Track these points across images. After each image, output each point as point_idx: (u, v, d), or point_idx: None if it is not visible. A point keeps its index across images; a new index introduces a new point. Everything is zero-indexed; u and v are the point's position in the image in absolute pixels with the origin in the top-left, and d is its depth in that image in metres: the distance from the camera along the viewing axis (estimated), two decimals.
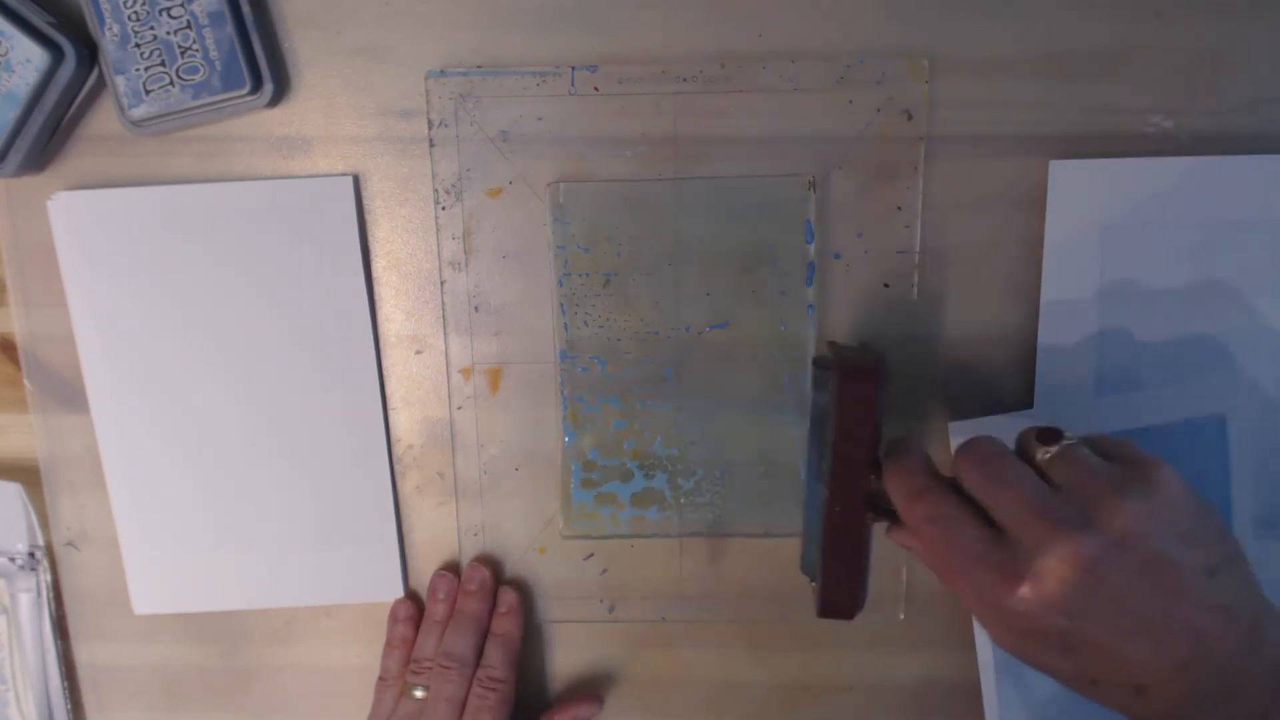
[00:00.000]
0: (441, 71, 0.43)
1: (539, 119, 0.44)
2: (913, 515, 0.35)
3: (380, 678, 0.46)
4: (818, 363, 0.41)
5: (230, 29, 0.41)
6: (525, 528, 0.47)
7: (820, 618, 0.38)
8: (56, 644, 0.48)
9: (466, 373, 0.46)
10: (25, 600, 0.48)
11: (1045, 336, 0.44)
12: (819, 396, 0.40)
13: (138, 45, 0.41)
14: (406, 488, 0.47)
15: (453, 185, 0.44)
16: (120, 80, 0.41)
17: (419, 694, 0.45)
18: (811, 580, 0.40)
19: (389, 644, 0.47)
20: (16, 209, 0.45)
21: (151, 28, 0.41)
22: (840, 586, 0.38)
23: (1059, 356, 0.44)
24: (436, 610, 0.46)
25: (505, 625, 0.46)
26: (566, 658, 0.49)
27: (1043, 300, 0.44)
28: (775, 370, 0.45)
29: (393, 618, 0.47)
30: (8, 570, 0.47)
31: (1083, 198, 0.43)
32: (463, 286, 0.45)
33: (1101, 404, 0.45)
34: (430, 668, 0.45)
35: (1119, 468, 0.34)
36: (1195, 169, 0.43)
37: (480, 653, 0.45)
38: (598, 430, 0.45)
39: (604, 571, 0.47)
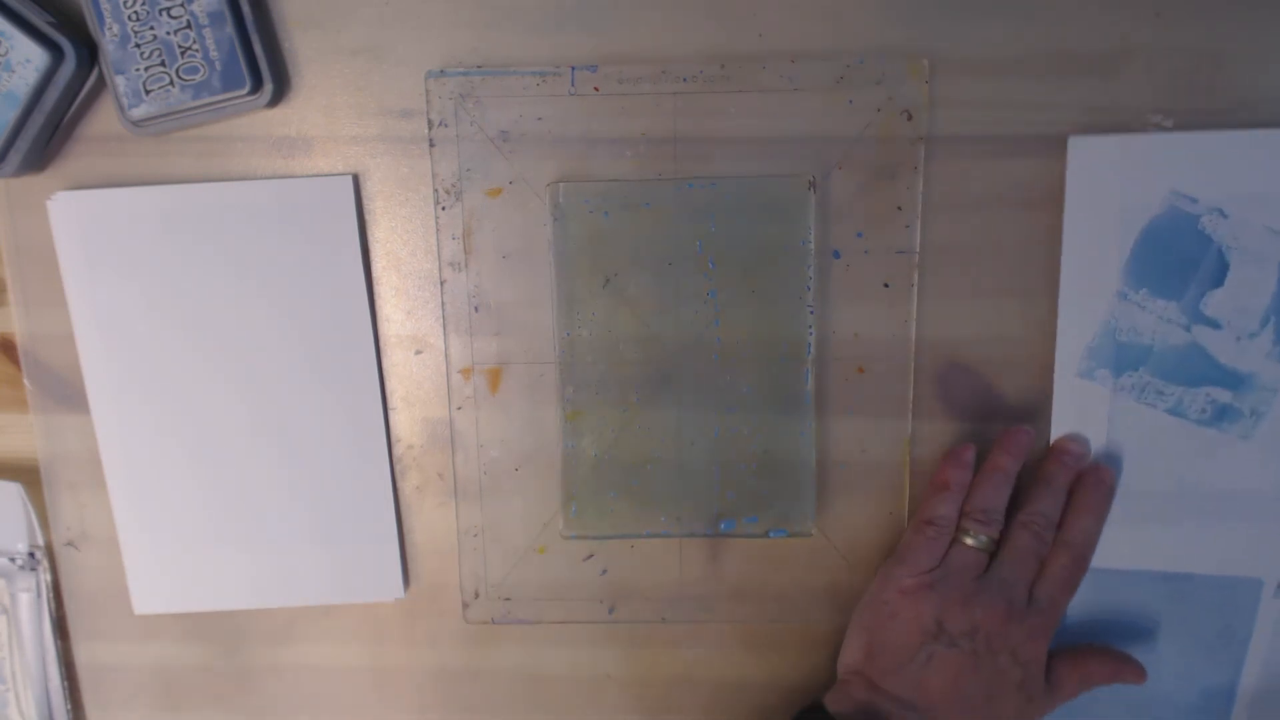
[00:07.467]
0: (441, 71, 0.43)
1: (539, 119, 0.44)
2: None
3: (928, 522, 0.44)
4: None
5: (230, 29, 0.41)
6: (525, 528, 0.47)
7: None
8: (56, 644, 0.48)
9: (466, 373, 0.46)
10: (25, 600, 0.48)
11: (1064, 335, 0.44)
12: None
13: (138, 45, 0.41)
14: (406, 488, 0.47)
15: (453, 185, 0.44)
16: (120, 80, 0.41)
17: (974, 542, 0.43)
18: None
19: (945, 488, 0.44)
20: (16, 209, 0.45)
21: (151, 28, 0.41)
22: None
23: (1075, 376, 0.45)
24: (1008, 465, 0.44)
25: (1103, 500, 0.44)
26: (566, 658, 0.49)
27: (1062, 287, 0.43)
28: (775, 370, 0.45)
29: (956, 461, 0.44)
30: (8, 570, 0.47)
31: (1103, 176, 0.42)
32: (463, 286, 0.45)
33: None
34: (993, 520, 0.43)
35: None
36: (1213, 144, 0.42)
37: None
38: (598, 430, 0.45)
39: (604, 572, 0.47)
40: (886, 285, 0.44)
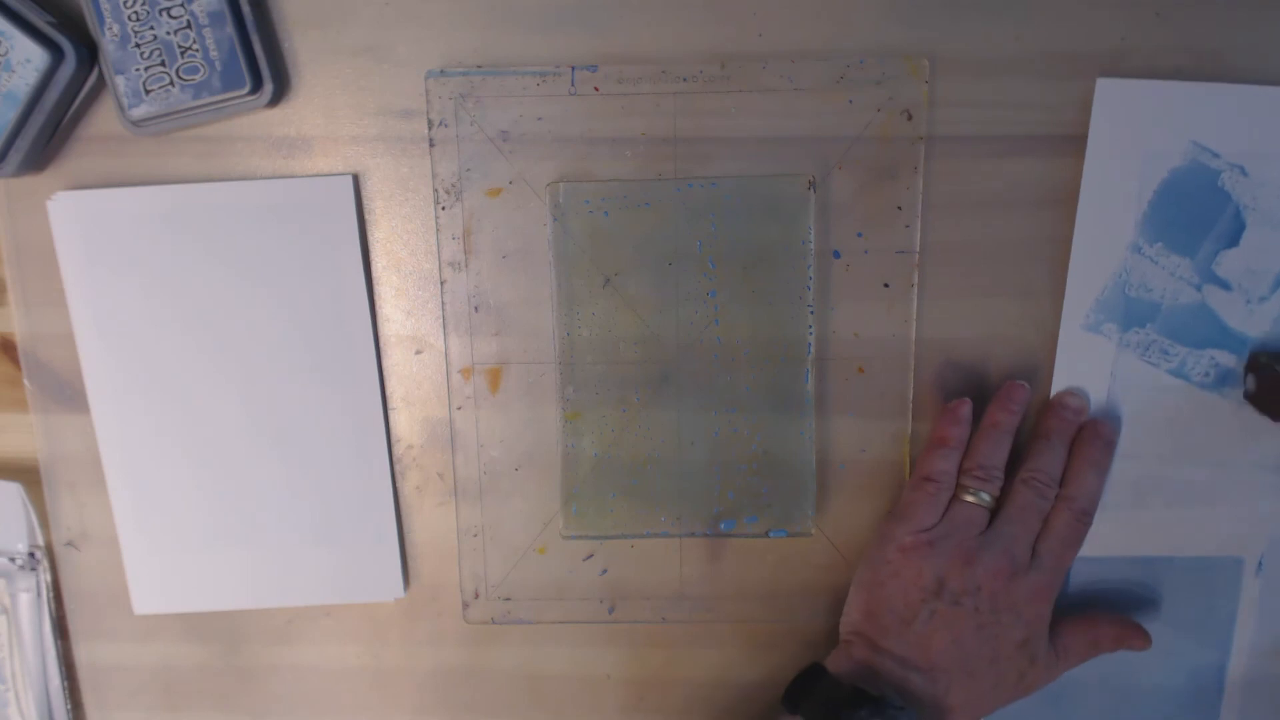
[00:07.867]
0: (441, 71, 0.43)
1: (539, 119, 0.44)
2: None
3: (927, 478, 0.43)
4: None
5: (230, 29, 0.41)
6: (525, 528, 0.47)
7: None
8: (56, 644, 0.48)
9: (466, 373, 0.46)
10: (25, 600, 0.48)
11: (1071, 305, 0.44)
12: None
13: (138, 45, 0.41)
14: (406, 488, 0.47)
15: (453, 185, 0.44)
16: (120, 80, 0.41)
17: (975, 499, 0.42)
18: None
19: (943, 444, 0.43)
20: (16, 209, 0.45)
21: (151, 28, 0.41)
22: None
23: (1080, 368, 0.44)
24: (1007, 420, 0.43)
25: (1103, 455, 0.44)
26: (566, 658, 0.49)
27: (1076, 236, 0.43)
28: (775, 370, 0.45)
29: (952, 417, 0.43)
30: (8, 570, 0.47)
31: (1127, 121, 0.42)
32: (463, 286, 0.45)
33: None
34: (993, 477, 0.42)
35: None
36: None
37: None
38: (598, 430, 0.45)
39: (604, 572, 0.47)
40: (886, 285, 0.44)
